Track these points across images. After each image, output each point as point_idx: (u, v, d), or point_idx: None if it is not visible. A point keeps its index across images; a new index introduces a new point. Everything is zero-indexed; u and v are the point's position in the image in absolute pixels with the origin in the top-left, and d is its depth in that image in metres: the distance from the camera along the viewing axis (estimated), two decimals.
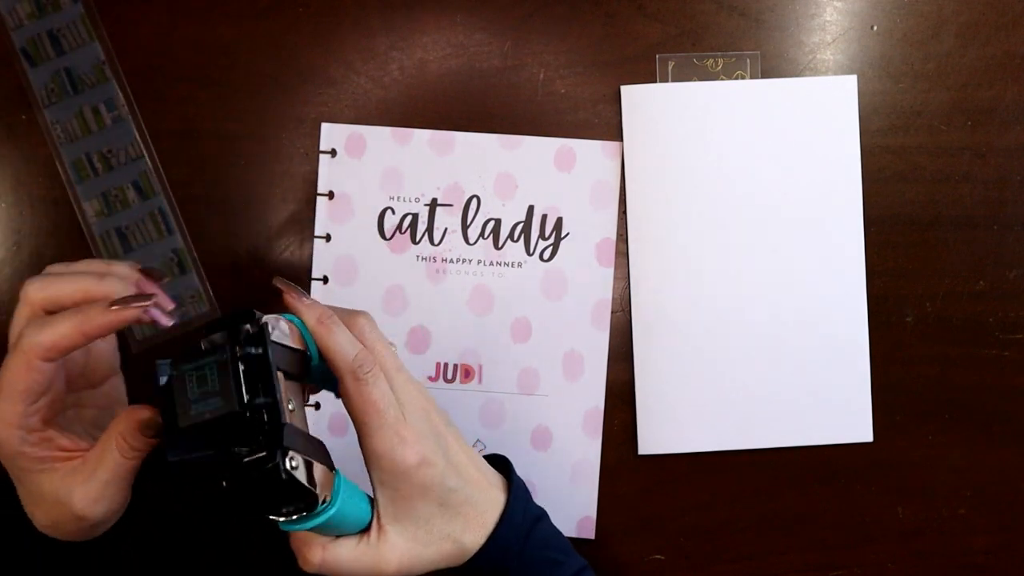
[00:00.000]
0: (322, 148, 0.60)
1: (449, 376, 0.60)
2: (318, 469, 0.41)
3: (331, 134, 0.60)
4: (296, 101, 0.60)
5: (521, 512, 0.47)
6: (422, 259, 0.60)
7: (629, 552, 0.60)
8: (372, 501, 0.45)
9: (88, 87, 0.59)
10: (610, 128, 0.60)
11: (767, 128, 0.60)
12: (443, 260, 0.60)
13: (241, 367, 0.39)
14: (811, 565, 0.61)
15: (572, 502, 0.60)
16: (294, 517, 0.41)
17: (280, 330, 0.42)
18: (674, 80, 0.60)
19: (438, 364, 0.60)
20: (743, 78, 0.60)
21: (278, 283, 0.44)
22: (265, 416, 0.39)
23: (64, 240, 0.60)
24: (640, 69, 0.60)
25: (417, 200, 0.60)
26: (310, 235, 0.60)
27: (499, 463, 0.50)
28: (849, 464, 0.61)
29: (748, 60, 0.60)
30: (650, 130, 0.60)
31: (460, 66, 0.60)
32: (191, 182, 0.60)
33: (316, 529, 0.42)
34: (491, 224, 0.61)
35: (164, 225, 0.59)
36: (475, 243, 0.60)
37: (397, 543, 0.44)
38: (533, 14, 0.60)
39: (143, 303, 0.42)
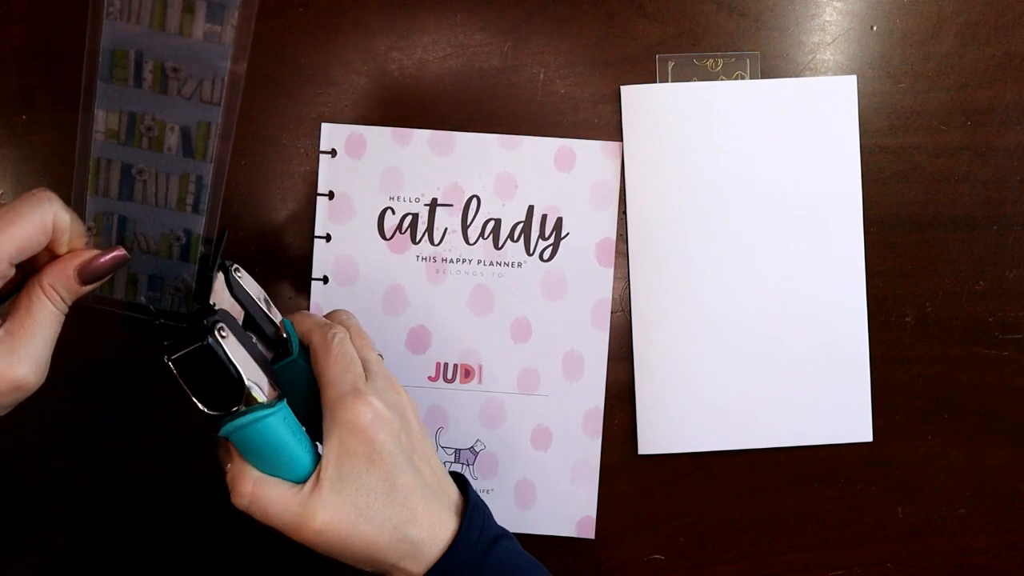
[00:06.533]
0: (322, 148, 0.60)
1: (449, 376, 0.60)
2: (255, 370, 0.40)
3: (331, 134, 0.60)
4: (296, 101, 0.60)
5: (477, 531, 0.45)
6: (422, 259, 0.60)
7: (629, 552, 0.60)
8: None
9: None
10: (610, 128, 0.60)
11: (767, 128, 0.60)
12: (443, 260, 0.60)
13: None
14: (811, 565, 0.61)
15: (572, 502, 0.60)
16: (232, 410, 0.39)
17: (262, 297, 0.47)
18: (674, 80, 0.60)
19: (438, 364, 0.60)
20: (743, 78, 0.60)
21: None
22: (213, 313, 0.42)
23: None
24: (640, 69, 0.60)
25: (417, 200, 0.60)
26: (310, 235, 0.60)
27: (457, 480, 0.48)
28: (849, 464, 0.61)
29: (748, 60, 0.60)
30: (650, 130, 0.60)
31: (460, 66, 0.60)
32: None
33: (252, 456, 0.41)
34: (491, 224, 0.61)
35: (194, 198, 0.42)
36: (475, 243, 0.60)
37: (330, 501, 0.42)
38: (533, 14, 0.60)
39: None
